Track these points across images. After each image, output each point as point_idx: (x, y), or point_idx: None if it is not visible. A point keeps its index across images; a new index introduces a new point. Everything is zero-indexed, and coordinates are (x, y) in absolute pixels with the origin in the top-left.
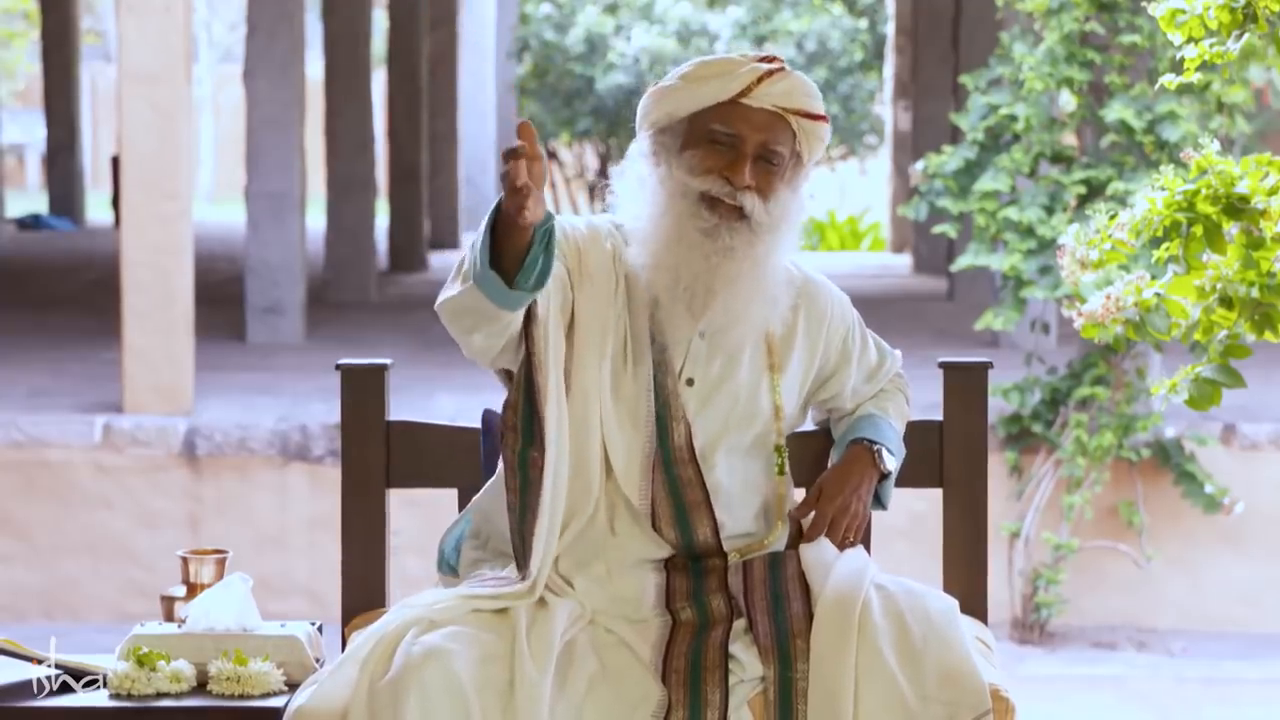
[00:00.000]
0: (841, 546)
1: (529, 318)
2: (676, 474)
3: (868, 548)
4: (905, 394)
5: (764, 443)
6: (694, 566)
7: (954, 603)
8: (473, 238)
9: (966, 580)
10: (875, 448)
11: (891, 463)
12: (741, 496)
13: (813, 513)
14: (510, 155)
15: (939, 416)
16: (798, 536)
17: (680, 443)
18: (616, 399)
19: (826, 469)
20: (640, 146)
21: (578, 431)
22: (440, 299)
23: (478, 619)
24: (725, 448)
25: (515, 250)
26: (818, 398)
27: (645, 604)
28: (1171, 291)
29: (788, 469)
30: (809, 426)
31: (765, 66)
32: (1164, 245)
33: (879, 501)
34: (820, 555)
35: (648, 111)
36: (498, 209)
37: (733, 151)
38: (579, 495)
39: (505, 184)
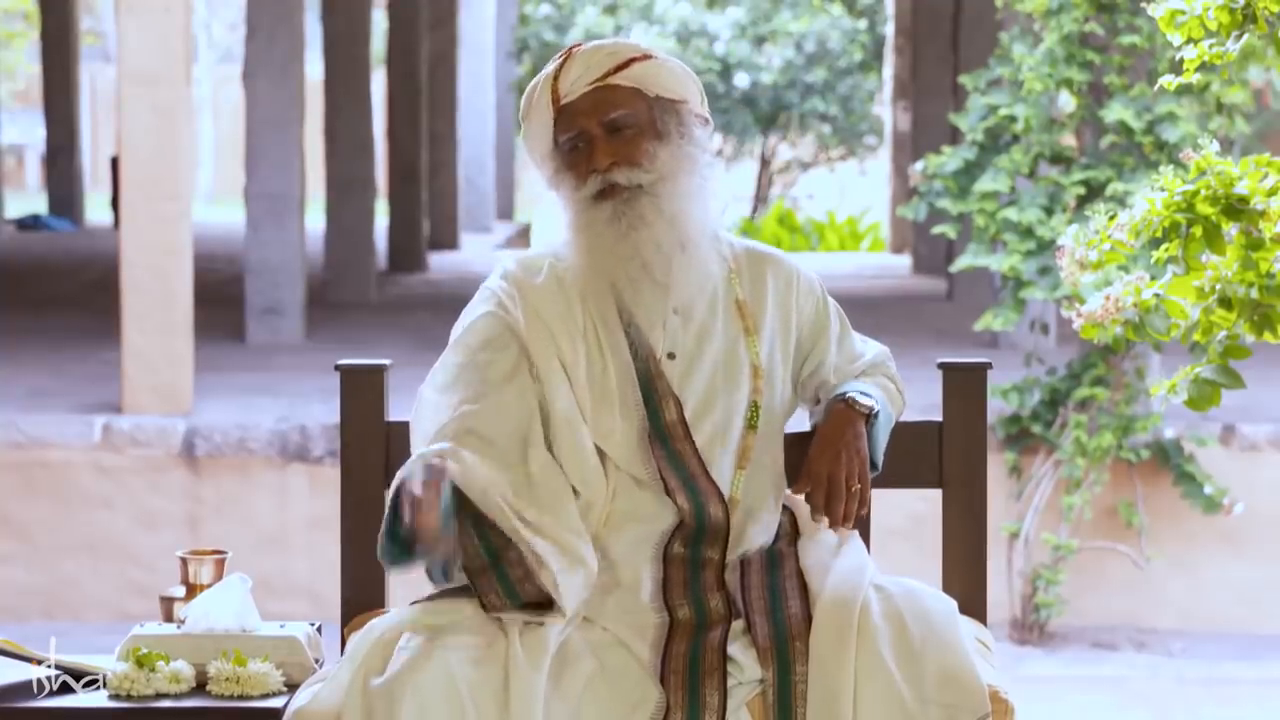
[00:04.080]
0: (848, 495)
1: None
2: (675, 448)
3: (866, 547)
4: (896, 384)
5: (745, 405)
6: (693, 554)
7: (953, 603)
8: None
9: (966, 581)
10: (847, 395)
11: (871, 401)
12: (722, 458)
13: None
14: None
15: (939, 417)
16: (791, 529)
17: (673, 419)
18: (598, 393)
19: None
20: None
21: (571, 456)
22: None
23: (472, 620)
24: (714, 416)
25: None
26: (804, 375)
27: (642, 596)
28: (1171, 292)
29: (760, 424)
30: (805, 427)
31: (554, 66)
32: (1163, 246)
33: (872, 463)
34: (819, 555)
35: (541, 170)
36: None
37: (586, 147)
38: (581, 509)
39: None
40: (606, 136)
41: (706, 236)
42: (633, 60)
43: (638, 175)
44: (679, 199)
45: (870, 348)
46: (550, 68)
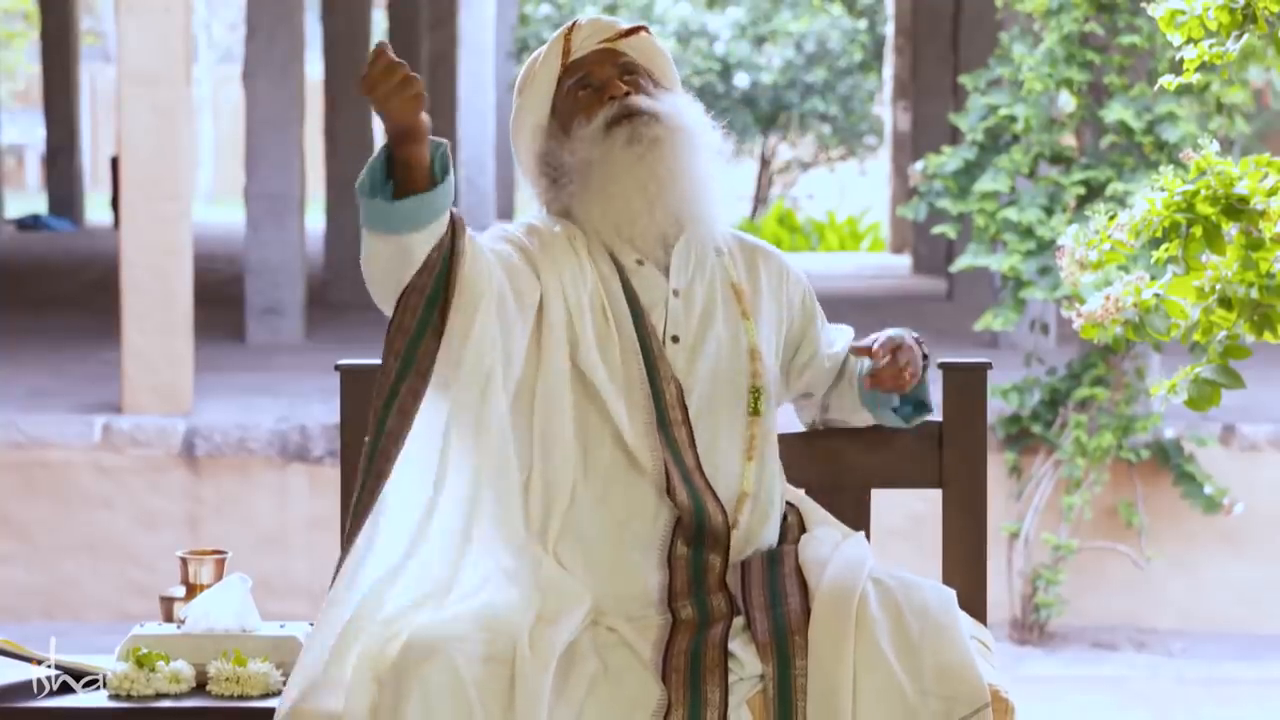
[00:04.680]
0: (903, 373)
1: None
2: (672, 435)
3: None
4: None
5: (746, 390)
6: (696, 558)
7: (951, 593)
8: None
9: (966, 581)
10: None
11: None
12: (726, 451)
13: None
14: (376, 60)
15: (939, 417)
16: (798, 527)
17: (673, 402)
18: (606, 364)
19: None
20: (535, 187)
21: (546, 412)
22: (364, 265)
23: (479, 617)
24: (716, 405)
25: (417, 174)
26: (795, 363)
27: (649, 601)
28: (1171, 292)
29: (764, 410)
30: (799, 428)
31: (562, 30)
32: (1163, 246)
33: (922, 406)
34: (818, 551)
35: (527, 150)
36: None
37: (597, 88)
38: (554, 478)
39: (380, 89)
40: (619, 77)
41: (707, 216)
42: (641, 28)
43: (654, 104)
44: (692, 144)
45: (840, 333)
46: (558, 32)
